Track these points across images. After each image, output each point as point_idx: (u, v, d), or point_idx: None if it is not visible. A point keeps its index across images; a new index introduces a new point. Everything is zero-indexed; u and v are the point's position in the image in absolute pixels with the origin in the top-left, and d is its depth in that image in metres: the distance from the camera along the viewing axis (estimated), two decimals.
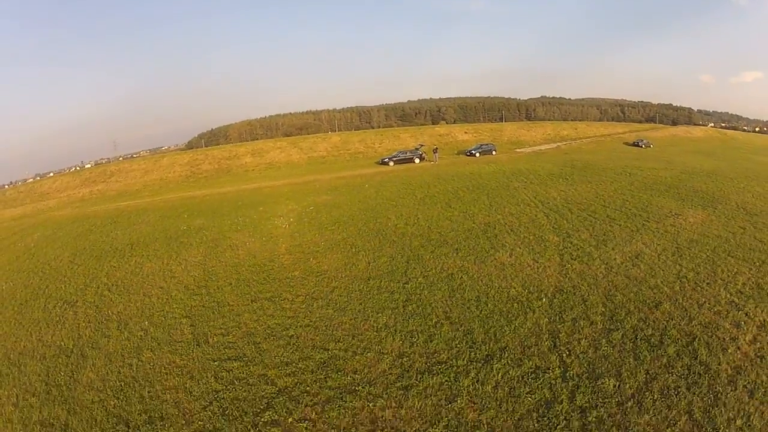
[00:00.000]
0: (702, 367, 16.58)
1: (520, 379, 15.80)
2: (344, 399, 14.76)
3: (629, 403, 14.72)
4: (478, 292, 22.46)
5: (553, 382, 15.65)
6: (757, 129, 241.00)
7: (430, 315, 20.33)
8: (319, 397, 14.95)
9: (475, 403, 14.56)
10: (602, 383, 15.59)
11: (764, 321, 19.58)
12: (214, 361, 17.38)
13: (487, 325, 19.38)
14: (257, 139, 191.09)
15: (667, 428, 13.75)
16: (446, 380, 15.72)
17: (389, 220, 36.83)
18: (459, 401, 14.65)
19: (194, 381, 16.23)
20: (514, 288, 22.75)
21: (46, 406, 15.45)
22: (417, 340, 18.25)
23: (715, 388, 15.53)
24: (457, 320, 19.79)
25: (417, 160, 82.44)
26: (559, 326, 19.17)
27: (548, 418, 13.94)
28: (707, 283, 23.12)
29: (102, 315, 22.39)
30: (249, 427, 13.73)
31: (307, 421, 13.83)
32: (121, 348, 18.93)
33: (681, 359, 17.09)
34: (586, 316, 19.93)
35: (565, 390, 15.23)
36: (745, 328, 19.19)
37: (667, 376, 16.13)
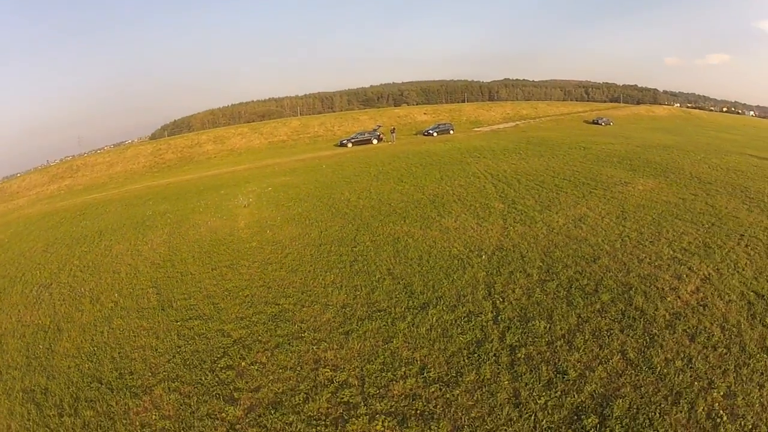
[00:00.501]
0: (637, 312, 17.33)
1: (454, 322, 16.82)
2: (291, 344, 15.93)
3: (559, 342, 15.53)
4: (421, 252, 23.67)
5: (484, 324, 16.63)
6: (724, 109, 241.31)
7: (374, 272, 21.52)
8: (269, 344, 16.19)
9: (409, 343, 15.61)
10: (533, 325, 16.50)
11: (709, 274, 20.25)
12: (177, 322, 18.59)
13: (426, 278, 20.48)
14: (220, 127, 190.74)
15: (599, 365, 14.43)
16: (384, 325, 16.88)
17: (343, 195, 37.86)
18: (395, 342, 15.75)
19: (159, 340, 17.41)
20: (456, 248, 23.94)
21: (27, 376, 16.35)
22: (360, 293, 19.50)
23: (651, 331, 16.20)
24: (399, 276, 20.98)
25: (375, 141, 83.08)
26: (495, 278, 20.23)
27: (478, 354, 14.87)
28: (650, 242, 24.08)
29: (75, 293, 23.16)
30: (207, 372, 14.95)
31: (258, 364, 15.07)
32: (94, 319, 19.83)
33: (615, 305, 17.89)
34: (522, 269, 20.99)
35: (496, 331, 16.19)
36: (687, 280, 19.87)
37: (599, 319, 16.89)
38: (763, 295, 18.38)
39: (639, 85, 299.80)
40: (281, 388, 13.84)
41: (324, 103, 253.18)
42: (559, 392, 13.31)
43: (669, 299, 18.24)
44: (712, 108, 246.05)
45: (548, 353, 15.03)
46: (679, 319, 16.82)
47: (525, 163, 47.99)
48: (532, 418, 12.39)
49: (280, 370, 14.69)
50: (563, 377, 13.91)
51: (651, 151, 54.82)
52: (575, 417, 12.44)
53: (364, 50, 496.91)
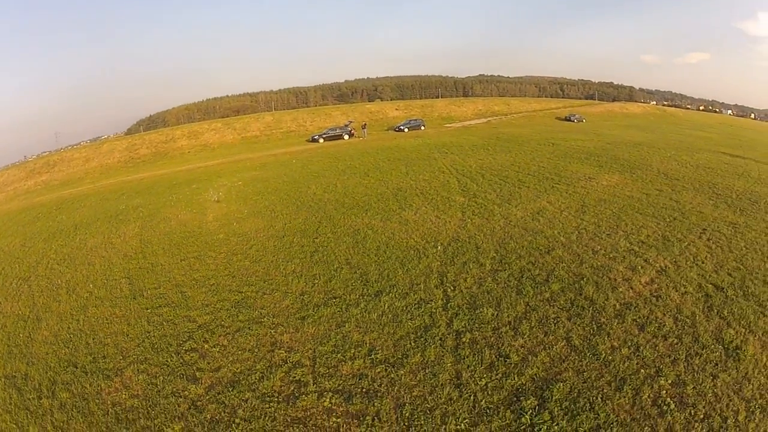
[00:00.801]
0: (587, 302, 17.70)
1: (404, 308, 17.63)
2: (251, 328, 16.86)
3: (505, 329, 16.05)
4: (379, 243, 24.63)
5: (433, 311, 17.37)
6: (701, 108, 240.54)
7: (332, 262, 22.50)
8: (231, 328, 17.15)
9: (360, 327, 16.47)
10: (480, 312, 17.13)
11: (665, 267, 20.58)
12: (147, 309, 19.47)
13: (382, 268, 21.41)
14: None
15: (542, 351, 14.87)
16: (338, 311, 17.79)
17: (309, 189, 38.85)
18: (347, 326, 16.62)
19: (130, 326, 18.28)
20: (413, 239, 24.87)
21: (9, 363, 17.04)
22: (318, 281, 20.42)
23: (600, 319, 16.53)
24: (356, 265, 21.91)
25: (346, 137, 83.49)
26: (448, 268, 21.01)
27: (424, 338, 15.57)
28: (607, 234, 24.54)
29: (53, 284, 23.80)
30: (173, 354, 15.88)
31: (219, 347, 16.01)
32: (70, 308, 20.55)
33: (565, 294, 18.35)
34: (476, 260, 21.72)
35: (444, 317, 16.90)
36: (641, 272, 20.19)
37: (547, 308, 17.37)
38: (723, 288, 18.72)
39: (615, 83, 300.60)
40: (239, 368, 14.70)
41: (298, 98, 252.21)
42: (500, 375, 13.88)
43: (621, 290, 18.66)
44: (689, 106, 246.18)
45: (493, 338, 15.62)
46: (630, 309, 17.22)
47: (491, 158, 48.73)
48: (472, 398, 12.96)
49: (240, 352, 15.56)
50: (505, 361, 14.47)
51: (620, 147, 55.51)
52: (514, 398, 12.95)
53: (339, 45, 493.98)
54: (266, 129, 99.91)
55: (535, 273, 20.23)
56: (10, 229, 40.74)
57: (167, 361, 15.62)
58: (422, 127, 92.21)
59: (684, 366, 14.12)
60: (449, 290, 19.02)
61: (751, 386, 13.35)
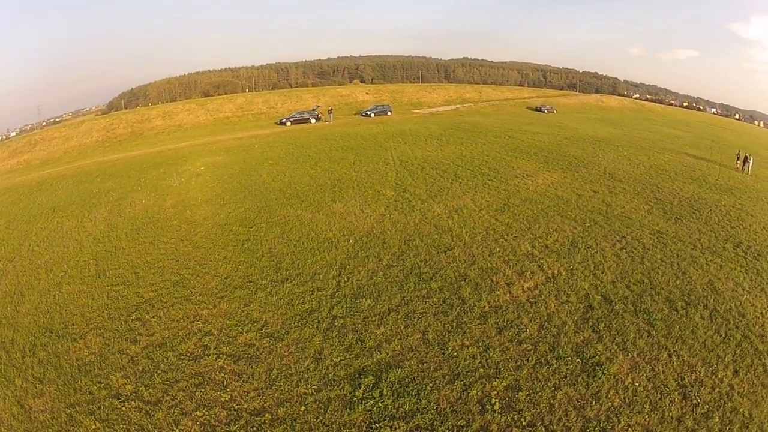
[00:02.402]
0: (458, 301, 19.25)
1: (300, 294, 20.62)
2: (182, 304, 20.58)
3: (373, 318, 18.35)
4: (301, 234, 27.61)
5: (322, 298, 20.16)
6: (685, 104, 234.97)
7: (257, 250, 25.73)
8: (167, 303, 20.96)
9: (261, 307, 19.70)
10: (359, 302, 19.58)
11: (557, 273, 21.44)
12: (108, 287, 23.09)
13: (295, 258, 24.40)
14: (176, 98, 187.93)
15: (397, 340, 16.91)
16: (249, 293, 21.07)
17: (261, 177, 41.37)
18: (252, 305, 19.95)
19: (94, 300, 22.02)
20: (332, 231, 27.73)
21: None
22: (241, 267, 23.78)
23: (462, 319, 17.98)
24: (276, 254, 25.08)
25: (313, 121, 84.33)
26: (351, 260, 23.63)
27: (307, 319, 18.58)
28: (514, 237, 25.60)
29: (34, 265, 26.70)
30: (122, 322, 19.78)
31: (157, 317, 19.86)
32: (48, 285, 23.80)
33: (441, 293, 20.04)
34: (377, 255, 24.11)
35: (328, 304, 19.70)
36: (528, 277, 21.14)
37: (419, 303, 19.25)
38: (612, 301, 19.34)
39: (599, 73, 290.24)
40: (168, 334, 18.58)
41: (280, 74, 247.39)
42: (353, 355, 16.26)
43: (498, 293, 19.92)
44: (673, 102, 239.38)
45: (360, 325, 18.01)
46: (497, 312, 18.47)
47: (440, 150, 50.64)
48: (324, 370, 15.62)
49: (170, 322, 19.38)
50: (361, 344, 16.80)
51: (576, 143, 56.42)
52: (357, 375, 15.27)
53: (322, 22, 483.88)
54: (238, 110, 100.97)
55: (423, 270, 22.22)
56: None
57: (118, 327, 19.51)
58: (389, 113, 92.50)
59: (527, 372, 15.14)
60: (342, 281, 21.66)
61: (598, 406, 13.99)
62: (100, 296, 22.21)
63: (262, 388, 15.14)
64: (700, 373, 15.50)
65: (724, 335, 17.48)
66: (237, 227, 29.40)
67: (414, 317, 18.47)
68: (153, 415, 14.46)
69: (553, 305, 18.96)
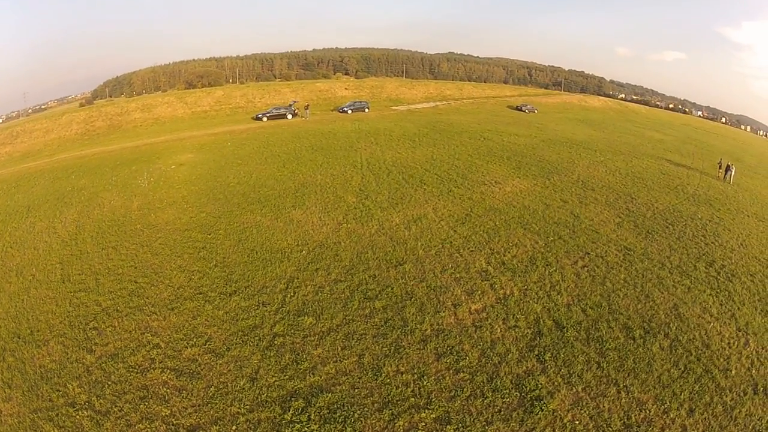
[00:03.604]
0: (400, 322, 18.95)
1: (246, 308, 20.70)
2: (135, 314, 20.98)
3: (312, 338, 18.27)
4: (256, 243, 27.63)
5: (266, 313, 20.17)
6: (671, 106, 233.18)
7: (212, 259, 25.88)
8: (122, 312, 21.35)
9: (208, 321, 19.97)
10: (302, 319, 19.52)
11: (509, 294, 20.88)
12: (71, 293, 23.29)
13: (247, 269, 24.42)
14: (160, 86, 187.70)
15: (332, 362, 16.87)
16: (198, 305, 21.25)
17: (228, 179, 41.31)
18: (199, 319, 20.19)
19: (58, 306, 22.43)
20: (287, 241, 27.72)
21: None
22: (194, 277, 23.97)
23: (402, 342, 17.68)
24: (229, 264, 25.18)
25: (290, 117, 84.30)
26: (300, 273, 23.54)
27: (248, 336, 18.68)
28: (470, 251, 25.00)
29: (6, 267, 26.87)
30: (81, 331, 20.26)
31: (111, 327, 20.41)
32: (18, 289, 24.08)
33: (384, 312, 19.72)
34: (327, 268, 23.97)
35: (271, 320, 19.67)
36: (477, 297, 20.52)
37: (360, 323, 19.04)
38: (563, 327, 18.68)
39: (586, 72, 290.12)
40: (120, 345, 19.18)
41: (264, 65, 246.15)
42: (287, 376, 16.28)
43: (442, 314, 19.46)
44: (659, 103, 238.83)
45: (298, 344, 17.95)
46: (438, 336, 18.02)
47: (411, 152, 50.38)
48: (258, 391, 15.76)
49: (123, 332, 19.85)
50: (297, 366, 16.78)
51: (553, 147, 55.62)
52: (288, 398, 15.38)
53: (307, 12, 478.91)
54: (216, 104, 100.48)
55: (370, 287, 22.00)
56: None
57: (77, 335, 20.11)
58: (366, 110, 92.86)
59: (459, 404, 14.76)
60: (289, 296, 21.68)
61: None
62: (63, 303, 22.58)
63: (199, 405, 15.60)
64: (650, 411, 14.83)
65: (683, 369, 16.73)
66: (196, 233, 29.54)
67: (353, 339, 18.35)
68: (102, 425, 15.19)
69: (499, 330, 18.47)
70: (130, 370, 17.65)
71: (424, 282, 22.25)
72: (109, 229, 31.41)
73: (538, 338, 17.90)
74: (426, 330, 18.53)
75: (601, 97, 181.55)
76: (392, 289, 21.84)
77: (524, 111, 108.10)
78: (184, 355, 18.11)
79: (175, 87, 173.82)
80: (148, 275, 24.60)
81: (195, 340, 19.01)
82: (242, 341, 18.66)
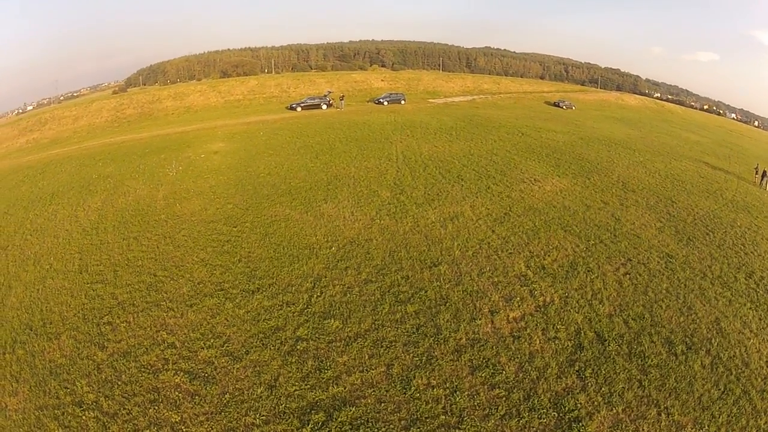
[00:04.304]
0: (434, 330, 17.84)
1: (268, 308, 19.71)
2: (151, 310, 20.28)
3: (338, 343, 17.21)
4: (283, 238, 26.67)
5: (290, 314, 19.20)
6: (705, 107, 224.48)
7: (236, 253, 24.99)
8: (138, 307, 20.72)
9: (227, 321, 19.07)
10: (328, 323, 18.49)
11: (549, 302, 19.69)
12: (88, 284, 23.03)
13: (272, 265, 23.50)
14: (194, 76, 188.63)
15: (358, 372, 15.88)
16: (217, 302, 20.42)
17: (258, 169, 40.66)
18: (218, 318, 19.31)
19: (73, 298, 22.03)
20: (316, 236, 26.67)
21: None
22: (216, 272, 23.10)
23: (434, 352, 16.59)
24: (253, 259, 24.29)
25: (324, 107, 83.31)
26: (328, 272, 22.54)
27: (270, 339, 17.69)
28: (509, 253, 23.88)
29: (24, 255, 26.59)
30: (94, 325, 19.67)
31: (126, 323, 19.68)
32: (34, 278, 23.73)
33: (417, 318, 18.59)
34: (357, 267, 22.97)
35: (294, 322, 18.66)
36: (516, 305, 19.36)
37: (390, 329, 17.94)
38: (605, 340, 17.50)
39: (622, 70, 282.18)
40: (133, 342, 18.43)
41: (300, 56, 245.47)
42: (308, 386, 15.38)
43: (479, 322, 18.31)
44: (693, 104, 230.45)
45: (322, 351, 16.94)
46: (473, 347, 16.91)
47: (448, 146, 48.93)
48: (276, 400, 14.91)
49: (138, 329, 19.20)
50: (319, 374, 15.80)
51: (592, 145, 53.88)
52: (309, 410, 14.49)
53: (344, 4, 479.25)
54: (249, 93, 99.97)
55: (402, 289, 20.86)
56: None
57: (90, 330, 19.47)
58: (402, 102, 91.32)
59: (494, 424, 13.78)
60: (315, 296, 20.64)
61: None
62: (78, 294, 22.07)
63: (211, 413, 14.81)
64: None
65: (722, 389, 15.79)
66: (221, 226, 28.79)
67: (382, 346, 17.30)
68: (108, 428, 14.48)
69: (538, 342, 17.35)
70: (142, 370, 16.93)
71: (460, 286, 21.07)
72: (132, 219, 30.84)
73: (578, 352, 16.80)
74: (461, 339, 17.40)
75: (637, 96, 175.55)
76: (426, 292, 20.65)
77: (562, 107, 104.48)
78: (199, 357, 17.27)
79: (210, 76, 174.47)
80: (168, 268, 23.84)
81: (212, 340, 18.14)
82: (262, 344, 17.71)
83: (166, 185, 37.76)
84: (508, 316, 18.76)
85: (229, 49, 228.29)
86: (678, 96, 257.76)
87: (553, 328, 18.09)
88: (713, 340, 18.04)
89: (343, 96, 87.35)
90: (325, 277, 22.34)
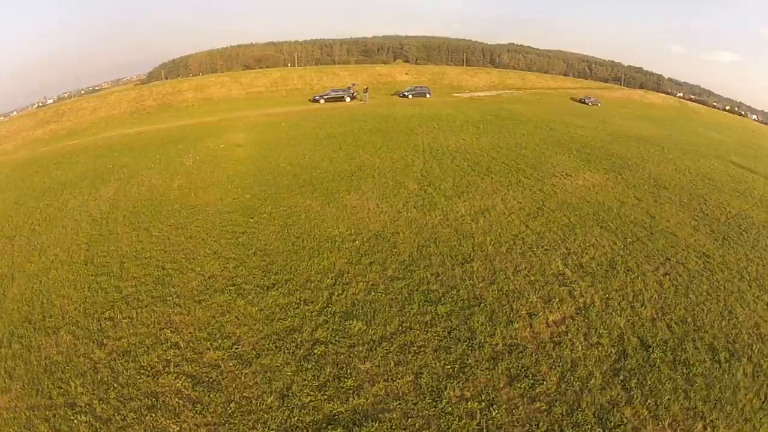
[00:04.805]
0: (467, 334, 16.23)
1: (284, 306, 17.97)
2: (156, 305, 18.49)
3: (361, 348, 15.55)
4: (303, 229, 25.18)
5: (308, 314, 17.45)
6: (727, 108, 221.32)
7: (252, 245, 23.40)
8: (143, 302, 19.19)
9: (238, 320, 17.33)
10: (350, 324, 16.65)
11: (590, 303, 18.25)
12: (92, 276, 21.64)
13: (290, 258, 21.91)
14: (216, 70, 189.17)
15: (383, 381, 14.24)
16: (228, 299, 18.70)
17: (278, 159, 39.66)
18: (227, 316, 17.60)
19: (76, 291, 20.63)
20: (339, 229, 25.09)
21: None
22: (229, 265, 21.44)
23: (468, 360, 15.00)
24: (270, 252, 22.72)
25: (347, 99, 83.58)
26: (351, 267, 20.86)
27: (284, 341, 15.90)
28: (544, 250, 22.50)
29: (31, 245, 25.52)
30: (95, 320, 18.13)
31: (128, 319, 18.11)
32: (38, 269, 22.55)
33: (448, 320, 16.94)
34: (382, 262, 21.25)
35: (312, 323, 16.87)
36: (555, 306, 17.88)
37: (419, 333, 16.26)
38: (650, 346, 16.06)
39: (644, 69, 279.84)
40: (134, 340, 16.87)
41: (323, 50, 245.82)
42: (326, 396, 13.67)
43: (516, 326, 16.72)
44: (715, 104, 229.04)
45: (343, 356, 15.22)
46: (511, 354, 15.37)
47: (476, 139, 47.94)
48: (288, 412, 13.23)
49: (140, 326, 17.68)
50: (339, 383, 14.14)
51: (620, 141, 52.61)
52: (325, 423, 12.84)
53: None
54: (272, 85, 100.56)
55: (432, 287, 19.13)
56: (11, 182, 42.45)
57: (89, 325, 17.96)
58: (427, 95, 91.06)
59: None
60: (336, 294, 18.83)
61: None
62: (81, 287, 20.69)
63: (214, 424, 13.02)
64: None
65: (763, 399, 14.38)
66: (237, 216, 27.39)
67: (409, 352, 15.51)
68: None
69: (580, 348, 15.80)
70: (141, 371, 15.29)
71: (495, 284, 19.36)
72: (143, 209, 29.57)
73: (622, 359, 15.32)
74: (497, 345, 15.77)
75: (660, 94, 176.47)
76: (458, 291, 18.88)
77: (587, 104, 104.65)
78: (205, 359, 15.54)
79: (232, 70, 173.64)
80: (177, 261, 22.26)
81: (220, 341, 16.37)
82: (276, 347, 15.94)
83: (182, 175, 36.65)
84: (548, 318, 17.23)
85: (252, 44, 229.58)
86: (701, 96, 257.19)
87: (595, 332, 16.59)
88: (754, 347, 16.60)
89: (367, 88, 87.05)
90: (348, 272, 20.57)
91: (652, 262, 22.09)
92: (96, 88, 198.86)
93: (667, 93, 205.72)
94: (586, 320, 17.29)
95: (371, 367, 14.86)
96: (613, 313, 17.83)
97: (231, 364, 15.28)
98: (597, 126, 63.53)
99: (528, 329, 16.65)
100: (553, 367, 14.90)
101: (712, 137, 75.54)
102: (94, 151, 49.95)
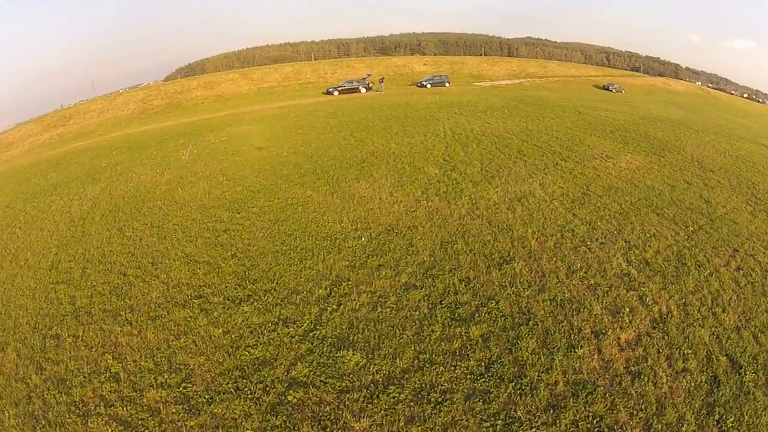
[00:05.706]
0: (512, 369, 11.77)
1: (256, 328, 14.08)
2: (105, 322, 15.32)
3: (356, 394, 11.27)
4: (297, 225, 21.56)
5: (287, 340, 13.43)
6: (745, 95, 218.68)
7: (231, 246, 19.94)
8: (94, 317, 15.96)
9: (195, 345, 13.75)
10: (343, 356, 12.39)
11: (667, 313, 14.14)
12: (52, 284, 18.67)
13: (276, 262, 17.98)
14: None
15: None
16: (189, 316, 15.16)
17: (280, 149, 37.06)
18: (183, 340, 14.04)
19: (33, 301, 17.68)
20: (341, 222, 21.27)
21: None
22: (200, 270, 17.99)
23: (514, 412, 10.47)
24: (252, 254, 19.02)
25: (363, 90, 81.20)
26: (353, 273, 16.70)
27: (250, 380, 11.94)
28: (600, 243, 18.58)
29: (7, 250, 23.38)
30: (41, 338, 15.15)
31: (73, 337, 14.88)
32: (6, 276, 20.20)
33: (486, 348, 12.45)
34: (394, 265, 16.98)
35: (292, 353, 12.80)
36: (627, 320, 13.62)
37: (442, 369, 11.79)
38: (741, 366, 11.98)
39: (662, 58, 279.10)
40: (73, 366, 13.68)
41: (340, 49, 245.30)
42: None
43: (580, 352, 12.23)
44: (733, 92, 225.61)
45: (331, 407, 10.92)
46: (577, 398, 10.87)
47: (502, 122, 44.71)
48: None
49: (83, 348, 14.44)
50: None
51: (654, 124, 49.38)
52: None
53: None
54: (284, 80, 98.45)
55: (462, 299, 14.57)
56: (9, 186, 40.69)
57: (35, 344, 15.05)
58: (447, 84, 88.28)
59: None
60: (330, 309, 14.57)
61: None
62: (40, 297, 17.84)
63: None
64: None
65: None
66: (222, 212, 24.24)
67: (429, 400, 10.71)
68: None
69: (664, 379, 11.36)
70: (72, 408, 11.92)
71: (545, 292, 14.84)
72: (124, 207, 26.96)
73: (715, 390, 11.07)
74: (557, 384, 11.11)
75: (682, 81, 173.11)
76: (497, 303, 14.27)
77: (611, 90, 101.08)
78: (144, 400, 11.77)
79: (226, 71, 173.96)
80: (143, 266, 18.95)
81: (167, 376, 12.54)
82: (236, 389, 11.71)
83: (173, 169, 34.12)
84: (619, 338, 12.76)
85: (268, 45, 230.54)
86: (718, 84, 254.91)
87: (679, 354, 12.25)
88: None
89: (383, 78, 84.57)
90: (348, 280, 16.20)
91: (721, 255, 18.12)
92: (113, 94, 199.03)
93: (688, 81, 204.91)
94: (666, 337, 13.05)
95: (370, 426, 10.30)
96: (694, 324, 13.67)
97: (174, 411, 11.35)
98: (626, 110, 59.94)
99: (596, 356, 12.19)
100: (635, 412, 10.55)
101: (738, 122, 72.36)
102: (93, 152, 48.35)
